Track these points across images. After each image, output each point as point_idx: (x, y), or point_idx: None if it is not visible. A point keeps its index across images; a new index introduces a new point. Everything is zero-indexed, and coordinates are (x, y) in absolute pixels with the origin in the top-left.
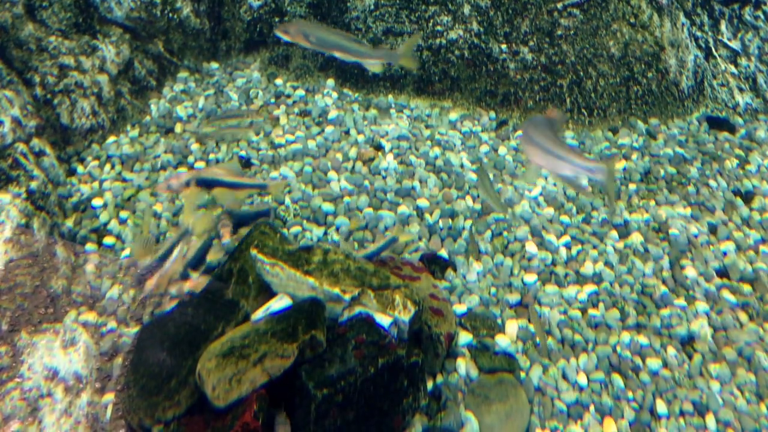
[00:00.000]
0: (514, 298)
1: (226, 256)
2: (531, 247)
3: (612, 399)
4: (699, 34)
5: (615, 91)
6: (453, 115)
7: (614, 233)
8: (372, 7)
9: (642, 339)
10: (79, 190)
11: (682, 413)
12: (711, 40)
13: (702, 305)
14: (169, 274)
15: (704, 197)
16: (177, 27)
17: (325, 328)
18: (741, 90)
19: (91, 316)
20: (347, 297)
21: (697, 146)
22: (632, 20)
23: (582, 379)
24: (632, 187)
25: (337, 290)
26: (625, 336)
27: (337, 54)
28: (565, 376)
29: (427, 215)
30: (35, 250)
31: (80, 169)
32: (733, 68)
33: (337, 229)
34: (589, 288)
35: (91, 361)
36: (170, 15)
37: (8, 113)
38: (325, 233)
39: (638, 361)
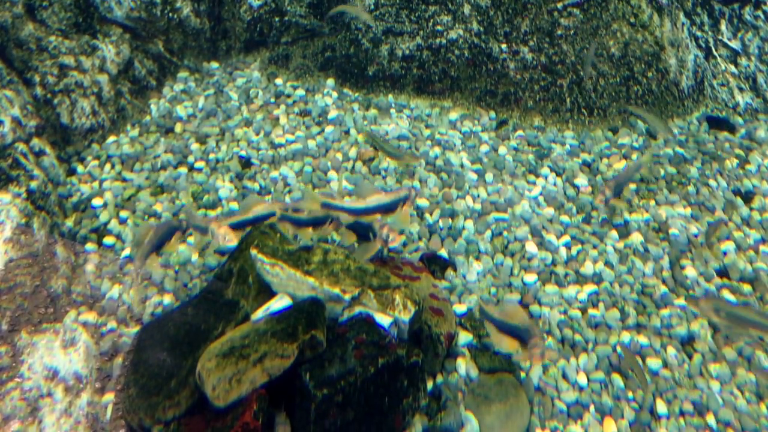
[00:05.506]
0: (514, 297)
1: (226, 256)
2: (531, 247)
3: (612, 399)
4: (699, 33)
5: (615, 91)
6: (453, 115)
7: (614, 233)
8: (372, 6)
9: (642, 339)
10: (79, 190)
11: (682, 413)
12: (711, 40)
13: None
14: None
15: (704, 197)
16: (177, 27)
17: (325, 328)
18: (741, 90)
19: (91, 316)
20: (347, 297)
21: (697, 146)
22: (632, 20)
23: (582, 379)
24: (632, 186)
25: (337, 290)
26: (625, 336)
27: None
28: (565, 376)
29: (427, 215)
30: (35, 250)
31: (80, 168)
32: (733, 68)
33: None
34: (589, 288)
35: (91, 361)
36: (170, 15)
37: (8, 113)
38: None
39: (638, 361)
